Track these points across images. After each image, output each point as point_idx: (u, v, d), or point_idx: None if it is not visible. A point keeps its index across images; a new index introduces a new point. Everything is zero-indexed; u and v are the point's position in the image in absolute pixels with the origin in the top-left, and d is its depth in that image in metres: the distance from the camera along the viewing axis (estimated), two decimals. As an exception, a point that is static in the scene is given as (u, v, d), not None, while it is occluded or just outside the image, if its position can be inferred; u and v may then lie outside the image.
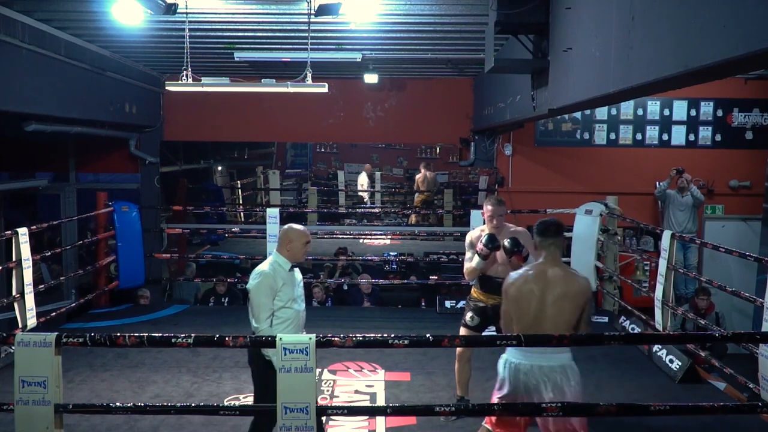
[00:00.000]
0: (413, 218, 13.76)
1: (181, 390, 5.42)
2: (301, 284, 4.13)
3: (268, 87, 7.00)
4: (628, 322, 7.19)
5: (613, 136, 9.41)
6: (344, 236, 12.56)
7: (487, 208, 4.73)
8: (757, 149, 9.25)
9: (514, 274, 3.71)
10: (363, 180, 14.64)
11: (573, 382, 3.52)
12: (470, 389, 5.50)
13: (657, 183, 9.06)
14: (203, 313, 8.35)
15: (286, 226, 4.14)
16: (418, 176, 14.36)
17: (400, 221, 14.27)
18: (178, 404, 4.69)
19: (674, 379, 5.72)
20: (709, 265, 9.13)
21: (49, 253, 7.67)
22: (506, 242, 4.50)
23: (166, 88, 7.66)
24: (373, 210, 14.35)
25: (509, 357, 3.61)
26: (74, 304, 7.91)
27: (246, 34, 6.78)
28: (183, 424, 4.62)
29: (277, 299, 3.93)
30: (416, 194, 14.12)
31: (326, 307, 8.77)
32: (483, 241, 4.59)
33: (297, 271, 4.12)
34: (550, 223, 3.67)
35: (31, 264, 6.12)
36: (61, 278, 8.38)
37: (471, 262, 4.71)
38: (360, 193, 14.73)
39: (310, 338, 3.45)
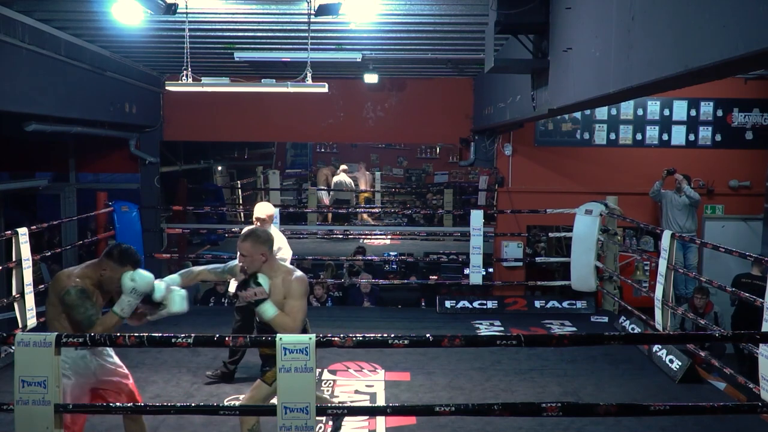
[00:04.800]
0: (366, 216, 13.95)
1: (181, 390, 5.42)
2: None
3: (268, 87, 7.00)
4: (628, 322, 7.20)
5: (613, 136, 9.40)
6: (344, 236, 12.57)
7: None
8: (757, 149, 9.24)
9: None
10: (345, 179, 14.31)
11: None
12: (470, 389, 5.51)
13: (655, 183, 9.07)
14: (203, 313, 8.35)
15: None
16: (359, 175, 14.61)
17: (400, 221, 14.32)
18: (178, 404, 4.69)
19: (674, 379, 5.72)
20: (709, 265, 9.13)
21: (49, 253, 7.67)
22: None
23: (166, 88, 7.67)
24: (372, 210, 14.36)
25: None
26: (74, 304, 7.90)
27: (246, 34, 6.78)
28: (183, 424, 4.62)
29: None
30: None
31: (326, 307, 8.77)
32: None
33: None
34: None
35: (31, 264, 6.13)
36: (61, 278, 8.36)
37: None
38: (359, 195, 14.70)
39: (310, 338, 3.45)
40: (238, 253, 3.79)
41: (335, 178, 14.21)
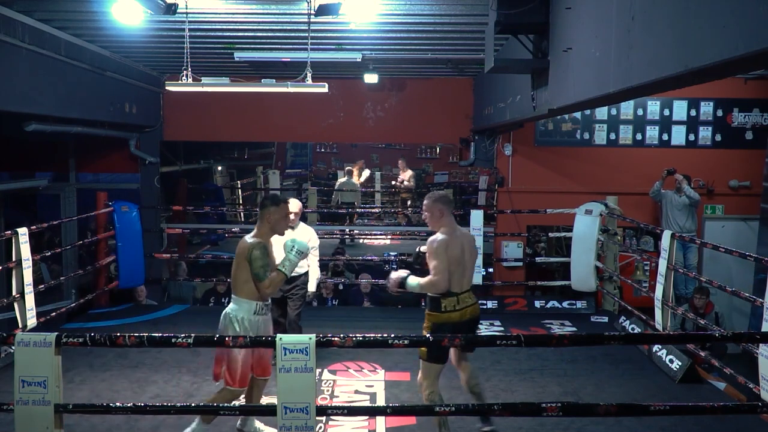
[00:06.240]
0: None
1: (181, 390, 5.41)
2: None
3: (268, 87, 7.00)
4: (628, 322, 7.19)
5: (613, 136, 9.40)
6: (344, 236, 12.56)
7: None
8: (757, 149, 9.24)
9: None
10: (350, 180, 14.31)
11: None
12: (470, 389, 5.51)
13: (655, 183, 9.07)
14: (203, 313, 8.35)
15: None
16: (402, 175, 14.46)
17: (401, 221, 14.32)
18: (178, 404, 4.69)
19: (674, 379, 5.72)
20: (709, 265, 9.13)
21: (49, 253, 7.66)
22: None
23: (166, 88, 7.66)
24: (373, 210, 14.35)
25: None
26: (74, 304, 7.91)
27: (246, 34, 6.78)
28: (183, 424, 4.61)
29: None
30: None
31: (326, 307, 8.77)
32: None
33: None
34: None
35: (31, 264, 6.12)
36: (61, 278, 8.37)
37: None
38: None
39: (310, 338, 3.46)
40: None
41: (340, 180, 14.17)
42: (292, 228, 5.70)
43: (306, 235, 5.76)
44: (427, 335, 4.24)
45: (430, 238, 4.28)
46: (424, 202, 4.40)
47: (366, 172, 14.86)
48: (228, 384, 4.16)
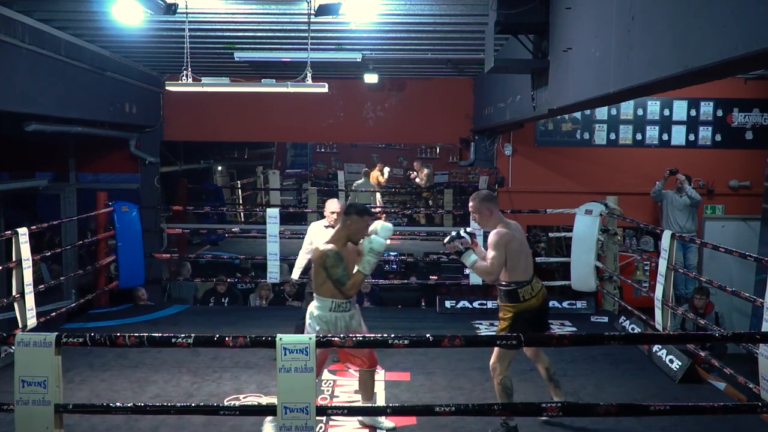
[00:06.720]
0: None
1: (181, 390, 5.41)
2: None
3: (268, 87, 7.00)
4: (628, 322, 7.19)
5: (613, 136, 9.41)
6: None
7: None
8: (757, 149, 9.25)
9: None
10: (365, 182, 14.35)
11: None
12: (470, 389, 5.51)
13: (656, 183, 9.07)
14: (203, 313, 8.35)
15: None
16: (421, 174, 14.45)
17: (401, 221, 14.31)
18: (178, 404, 4.69)
19: (674, 379, 5.72)
20: (709, 265, 9.13)
21: (49, 253, 7.66)
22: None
23: (166, 88, 7.67)
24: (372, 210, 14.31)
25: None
26: (74, 304, 7.91)
27: (246, 34, 6.79)
28: (183, 424, 4.62)
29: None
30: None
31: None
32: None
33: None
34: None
35: (31, 264, 6.11)
36: (61, 278, 8.37)
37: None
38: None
39: (310, 338, 3.46)
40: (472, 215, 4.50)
41: (356, 182, 14.20)
42: (333, 227, 5.69)
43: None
44: (507, 326, 4.36)
45: (494, 230, 4.39)
46: (470, 203, 4.50)
47: (387, 171, 14.90)
48: None
